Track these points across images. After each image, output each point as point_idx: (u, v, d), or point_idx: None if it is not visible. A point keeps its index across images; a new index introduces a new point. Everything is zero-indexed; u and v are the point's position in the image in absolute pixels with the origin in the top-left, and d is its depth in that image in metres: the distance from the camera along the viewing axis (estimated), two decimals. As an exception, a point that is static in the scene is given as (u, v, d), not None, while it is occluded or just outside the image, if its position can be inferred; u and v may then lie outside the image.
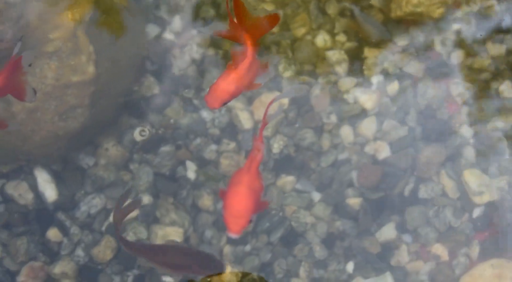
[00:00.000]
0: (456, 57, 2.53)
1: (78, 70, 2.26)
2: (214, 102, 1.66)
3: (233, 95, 1.70)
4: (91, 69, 2.27)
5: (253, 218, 1.62)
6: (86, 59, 2.27)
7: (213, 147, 2.40)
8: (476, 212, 2.38)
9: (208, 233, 2.32)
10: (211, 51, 2.52)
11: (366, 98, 2.47)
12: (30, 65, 1.84)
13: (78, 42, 2.26)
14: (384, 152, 2.42)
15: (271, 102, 1.81)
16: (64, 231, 2.31)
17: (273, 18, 1.73)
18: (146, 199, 2.34)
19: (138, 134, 2.37)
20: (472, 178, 2.39)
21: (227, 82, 1.68)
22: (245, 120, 2.42)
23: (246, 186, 1.64)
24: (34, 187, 2.33)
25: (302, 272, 2.31)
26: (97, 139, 2.38)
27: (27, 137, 2.27)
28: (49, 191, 2.33)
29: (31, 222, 2.32)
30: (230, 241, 2.31)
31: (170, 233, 2.28)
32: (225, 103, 1.70)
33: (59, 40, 2.25)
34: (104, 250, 2.29)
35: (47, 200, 2.33)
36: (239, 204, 1.62)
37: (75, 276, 2.26)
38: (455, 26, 2.53)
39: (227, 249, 2.30)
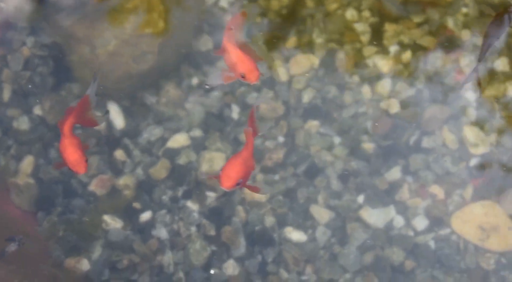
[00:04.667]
0: (465, 34, 3.02)
1: (151, 24, 2.81)
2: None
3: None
4: (161, 24, 2.82)
5: (239, 182, 2.10)
6: (157, 16, 2.82)
7: (254, 94, 2.93)
8: (473, 161, 2.85)
9: (246, 163, 2.84)
10: (258, 19, 3.05)
11: (383, 63, 2.97)
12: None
13: (151, 2, 2.82)
14: (395, 107, 2.92)
15: (254, 108, 2.32)
16: (128, 153, 2.84)
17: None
18: (198, 133, 2.87)
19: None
20: (470, 132, 2.87)
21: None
22: (282, 75, 2.94)
23: (240, 159, 2.16)
24: (106, 117, 2.87)
25: (320, 199, 2.80)
26: (161, 82, 2.92)
27: (106, 75, 2.82)
28: (118, 121, 2.87)
29: (103, 144, 2.86)
30: (263, 170, 2.82)
31: (215, 156, 2.80)
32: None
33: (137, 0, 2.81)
34: (160, 170, 2.82)
35: (116, 128, 2.87)
36: (232, 168, 2.11)
37: (135, 188, 2.79)
38: (464, 10, 3.03)
39: (260, 177, 2.81)
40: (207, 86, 2.86)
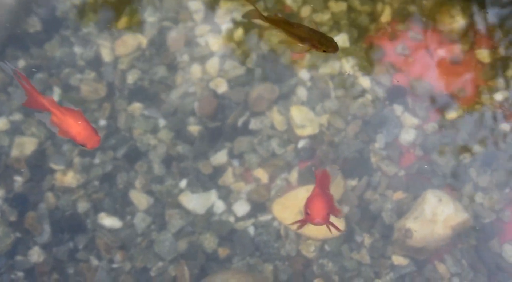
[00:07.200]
0: (304, 11, 2.87)
1: (-35, 4, 2.73)
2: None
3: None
4: (-24, 4, 2.74)
5: None
6: (-27, -4, 2.74)
7: (78, 75, 2.82)
8: (301, 143, 2.72)
9: (65, 147, 2.74)
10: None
11: (214, 42, 2.84)
12: None
13: (-33, -19, 2.73)
14: (222, 87, 2.79)
15: None
16: None
17: None
18: (18, 117, 2.78)
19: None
20: (297, 113, 2.73)
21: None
22: (106, 55, 2.83)
23: None
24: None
25: (139, 184, 2.69)
26: (-17, 65, 2.84)
27: None
28: None
29: None
30: (81, 154, 2.72)
31: (26, 141, 2.71)
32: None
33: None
34: (-23, 155, 2.74)
35: None
36: None
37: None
38: (304, -15, 2.89)
39: (77, 160, 2.71)
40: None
